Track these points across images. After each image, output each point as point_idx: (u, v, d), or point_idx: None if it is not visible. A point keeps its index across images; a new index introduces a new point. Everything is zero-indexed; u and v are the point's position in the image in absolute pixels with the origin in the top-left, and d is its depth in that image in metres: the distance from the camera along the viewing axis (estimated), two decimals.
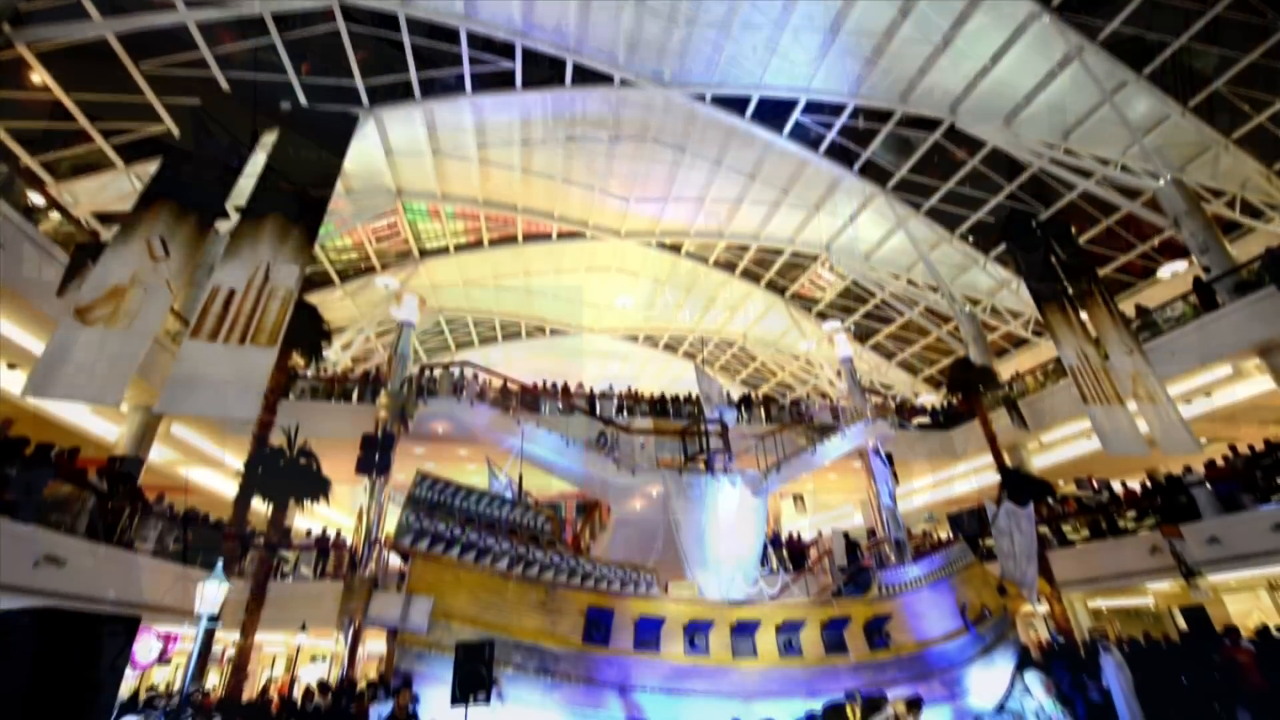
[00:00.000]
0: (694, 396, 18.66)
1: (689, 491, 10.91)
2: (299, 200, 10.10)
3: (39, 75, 12.95)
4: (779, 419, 18.46)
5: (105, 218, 15.29)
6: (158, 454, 14.27)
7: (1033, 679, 10.60)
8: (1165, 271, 18.52)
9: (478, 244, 22.93)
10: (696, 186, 20.42)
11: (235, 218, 10.13)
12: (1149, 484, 14.94)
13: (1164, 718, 10.25)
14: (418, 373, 14.79)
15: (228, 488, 15.04)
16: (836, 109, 17.33)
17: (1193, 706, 9.14)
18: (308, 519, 17.86)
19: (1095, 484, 17.03)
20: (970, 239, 20.50)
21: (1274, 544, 11.02)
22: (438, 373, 14.94)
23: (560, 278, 25.39)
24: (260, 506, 12.32)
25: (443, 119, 17.32)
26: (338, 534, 15.37)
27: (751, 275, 25.27)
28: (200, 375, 8.25)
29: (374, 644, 16.31)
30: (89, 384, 7.68)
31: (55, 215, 11.97)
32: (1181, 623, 13.52)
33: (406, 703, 6.29)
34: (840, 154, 18.92)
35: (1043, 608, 13.94)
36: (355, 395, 16.42)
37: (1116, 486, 16.28)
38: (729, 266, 25.06)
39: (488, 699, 6.59)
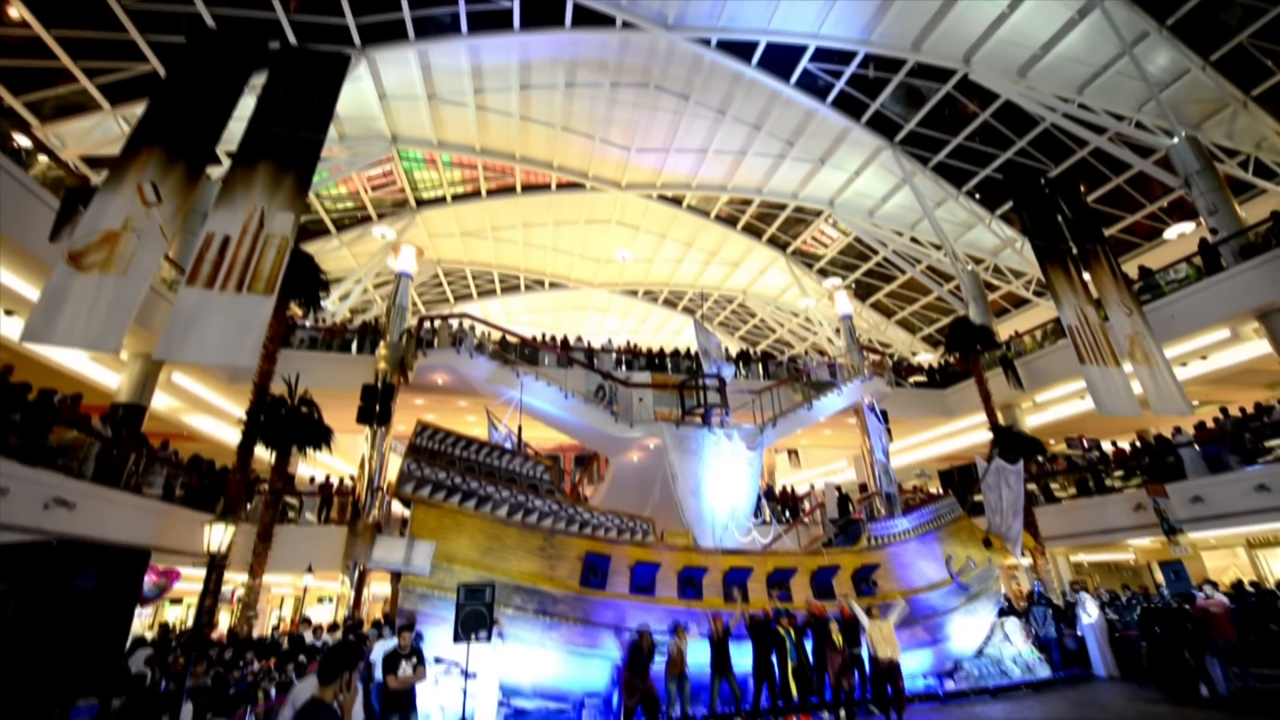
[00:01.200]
0: (692, 351, 18.72)
1: (686, 444, 11.07)
2: (291, 145, 9.87)
3: (16, 9, 12.41)
4: (777, 375, 18.57)
5: (94, 161, 14.94)
6: (160, 401, 14.39)
7: (1012, 627, 11.08)
8: (1172, 233, 18.30)
9: (475, 194, 22.51)
10: (699, 137, 19.91)
11: (227, 164, 9.92)
12: (1138, 444, 15.19)
13: (1135, 666, 10.75)
14: (416, 324, 14.77)
15: (231, 435, 15.24)
16: (846, 57, 16.73)
17: (1164, 655, 9.55)
18: (310, 466, 18.17)
19: (1086, 443, 17.30)
20: (976, 196, 20.16)
21: (1255, 504, 11.29)
22: (436, 324, 14.92)
23: (559, 230, 25.04)
24: (263, 454, 12.53)
25: (438, 61, 16.72)
26: (340, 481, 15.67)
27: (753, 230, 24.94)
28: (198, 323, 8.25)
29: (378, 586, 16.89)
30: (87, 330, 7.68)
31: (43, 159, 11.70)
32: (1159, 577, 14.01)
33: (409, 642, 6.56)
34: (848, 105, 18.38)
35: (1026, 560, 14.39)
36: (354, 346, 16.44)
37: (1106, 446, 16.56)
38: (730, 221, 24.70)
39: (489, 637, 6.86)
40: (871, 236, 23.13)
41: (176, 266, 13.16)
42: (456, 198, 22.55)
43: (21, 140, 11.30)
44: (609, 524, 9.43)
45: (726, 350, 18.12)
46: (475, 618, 6.77)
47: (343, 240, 22.31)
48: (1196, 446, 13.01)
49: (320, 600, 19.94)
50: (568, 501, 9.61)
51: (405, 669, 6.33)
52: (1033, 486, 15.27)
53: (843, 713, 8.08)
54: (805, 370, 18.84)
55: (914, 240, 22.57)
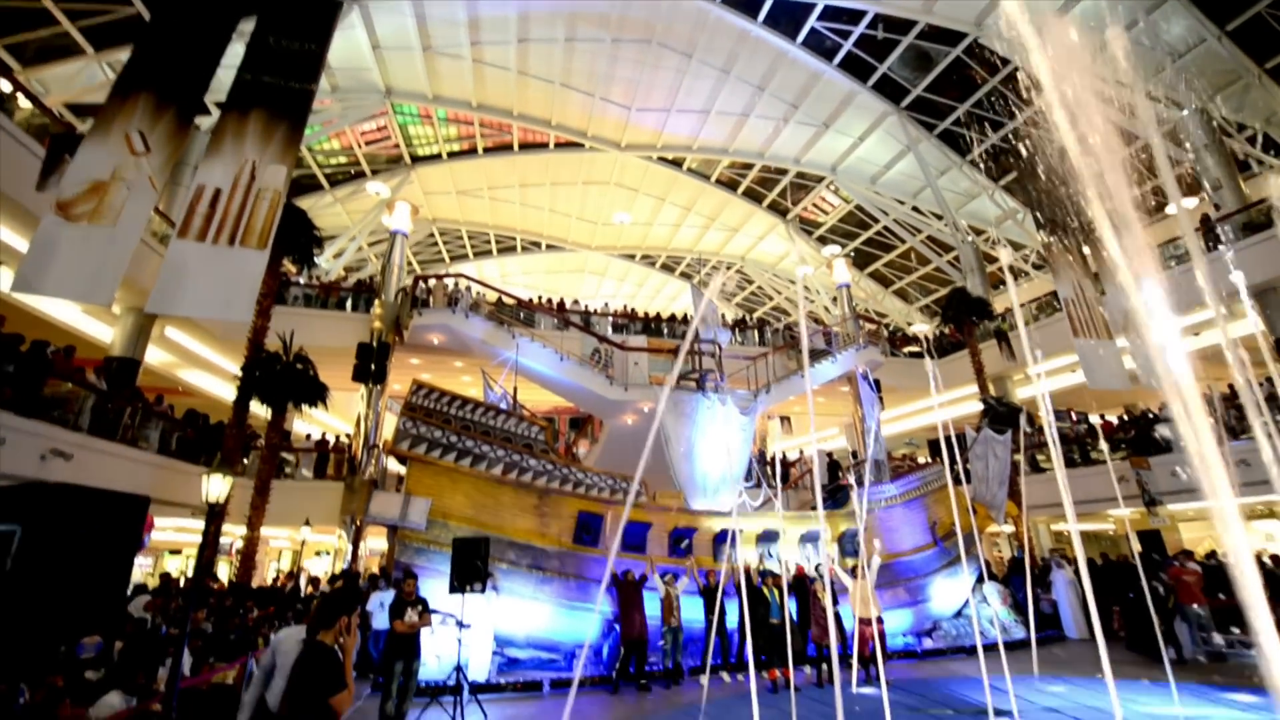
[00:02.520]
0: (688, 316, 18.70)
1: (680, 408, 11.18)
2: (282, 95, 9.61)
3: None
4: (772, 342, 18.62)
5: (79, 109, 14.52)
6: (154, 356, 14.36)
7: (990, 590, 11.43)
8: (1174, 208, 18.16)
9: (472, 152, 22.05)
10: (701, 98, 19.45)
11: (216, 114, 9.68)
12: (1126, 418, 15.41)
13: (1107, 629, 11.16)
14: (412, 283, 14.66)
15: (226, 391, 15.28)
16: (855, 16, 16.23)
17: (1135, 619, 9.90)
18: (307, 424, 18.28)
19: (1074, 416, 17.54)
20: (981, 166, 19.89)
21: (1236, 478, 11.53)
22: (432, 284, 14.82)
23: (557, 191, 24.65)
24: (259, 410, 12.58)
25: (433, 10, 16.14)
26: (337, 439, 15.80)
27: (753, 195, 24.61)
28: (190, 276, 8.19)
29: (375, 541, 17.22)
30: (78, 282, 7.61)
31: (26, 105, 11.35)
32: (1137, 545, 14.43)
33: (412, 590, 6.73)
34: (855, 67, 17.93)
35: (1009, 528, 14.74)
36: (349, 305, 16.34)
37: (1094, 419, 16.80)
38: (731, 185, 24.35)
39: (483, 589, 7.06)
40: (873, 205, 22.88)
41: (167, 219, 12.95)
42: (452, 155, 22.10)
43: (2, 84, 10.96)
44: (602, 484, 9.59)
45: (723, 316, 18.11)
46: (470, 570, 6.94)
47: (336, 196, 21.93)
48: (1178, 422, 13.19)
49: (318, 554, 20.34)
50: (562, 462, 9.75)
51: (411, 615, 6.53)
52: (1019, 457, 15.53)
53: (824, 666, 8.41)
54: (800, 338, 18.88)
55: (915, 209, 22.36)
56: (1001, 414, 15.02)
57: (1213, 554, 11.38)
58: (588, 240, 28.20)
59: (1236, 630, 9.55)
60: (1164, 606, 9.41)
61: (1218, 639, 9.48)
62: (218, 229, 8.62)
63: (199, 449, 12.20)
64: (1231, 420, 12.50)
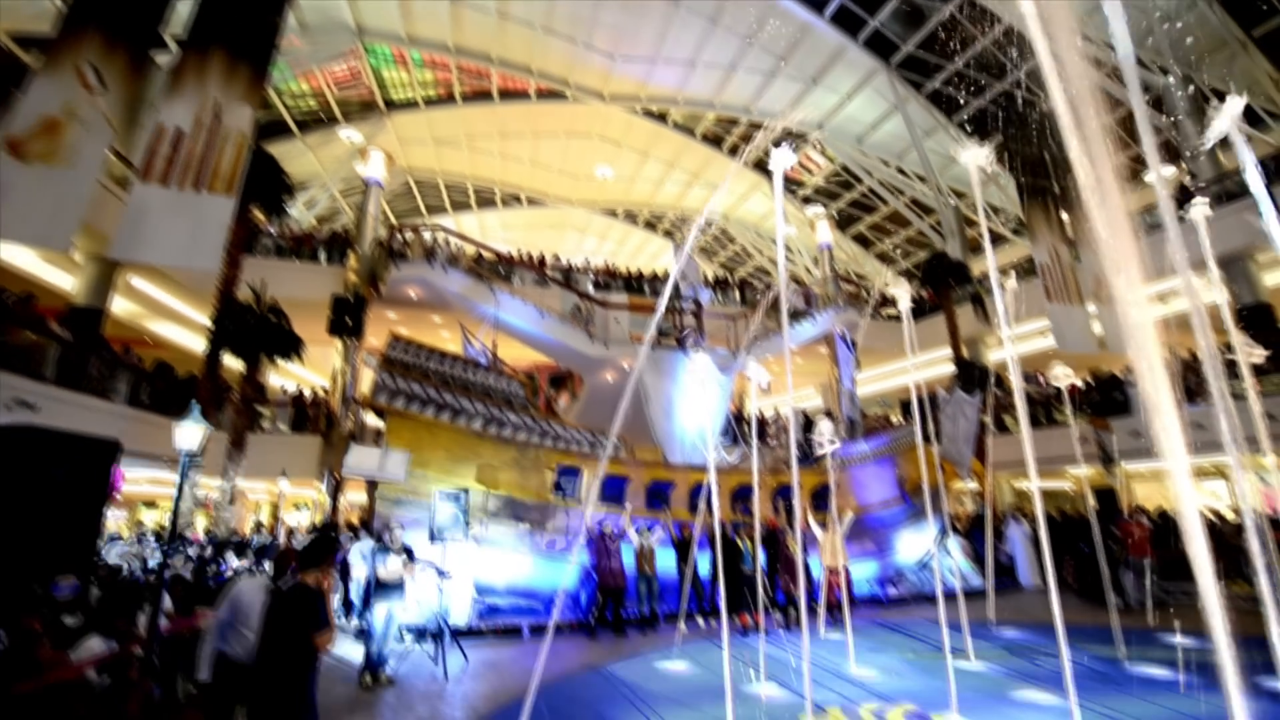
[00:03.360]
0: (671, 280, 18.60)
1: (660, 366, 11.26)
2: (245, 30, 9.11)
3: None
4: (752, 302, 18.67)
5: (26, 41, 13.57)
6: (120, 306, 13.93)
7: (952, 543, 11.93)
8: (1150, 176, 18.32)
9: (449, 99, 21.22)
10: (688, 48, 18.85)
11: (176, 50, 9.14)
12: (1090, 381, 15.91)
13: (1060, 580, 11.80)
14: (388, 235, 14.31)
15: (197, 343, 14.94)
16: None
17: (1086, 570, 10.47)
18: (281, 377, 18.04)
19: (1042, 379, 18.04)
20: (967, 129, 19.76)
21: (1190, 440, 12.06)
22: (409, 236, 14.48)
23: (538, 142, 23.96)
24: (232, 362, 12.36)
25: None
26: (313, 392, 15.65)
27: (738, 152, 24.21)
28: (153, 222, 7.89)
29: (355, 494, 17.29)
30: (33, 226, 7.31)
31: None
32: (1093, 502, 15.11)
33: (399, 538, 6.82)
34: (846, 21, 17.47)
35: (974, 485, 15.30)
36: (323, 256, 15.93)
37: (1062, 381, 17.29)
38: (716, 141, 23.90)
39: (464, 538, 7.18)
40: (858, 165, 22.70)
41: (127, 162, 12.35)
42: (429, 102, 21.26)
43: None
44: (581, 438, 9.70)
45: (705, 275, 18.06)
46: (450, 520, 7.04)
47: (307, 143, 21.05)
48: (1141, 385, 13.69)
49: (297, 506, 20.39)
50: (542, 417, 9.81)
51: (394, 562, 6.63)
52: (987, 418, 16.01)
53: (793, 612, 8.80)
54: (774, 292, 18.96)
55: (900, 171, 22.24)
56: (972, 376, 15.39)
57: (1162, 511, 11.99)
58: (569, 195, 27.64)
59: (1178, 581, 10.16)
60: (1113, 559, 9.95)
61: (1161, 588, 10.10)
62: (182, 173, 8.27)
63: (170, 401, 11.99)
64: (1191, 384, 13.00)
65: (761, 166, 24.65)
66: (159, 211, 7.93)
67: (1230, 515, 11.29)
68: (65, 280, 12.62)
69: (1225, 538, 9.86)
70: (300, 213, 20.92)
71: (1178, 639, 7.52)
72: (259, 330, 11.95)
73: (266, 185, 12.76)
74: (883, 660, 7.02)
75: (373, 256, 13.95)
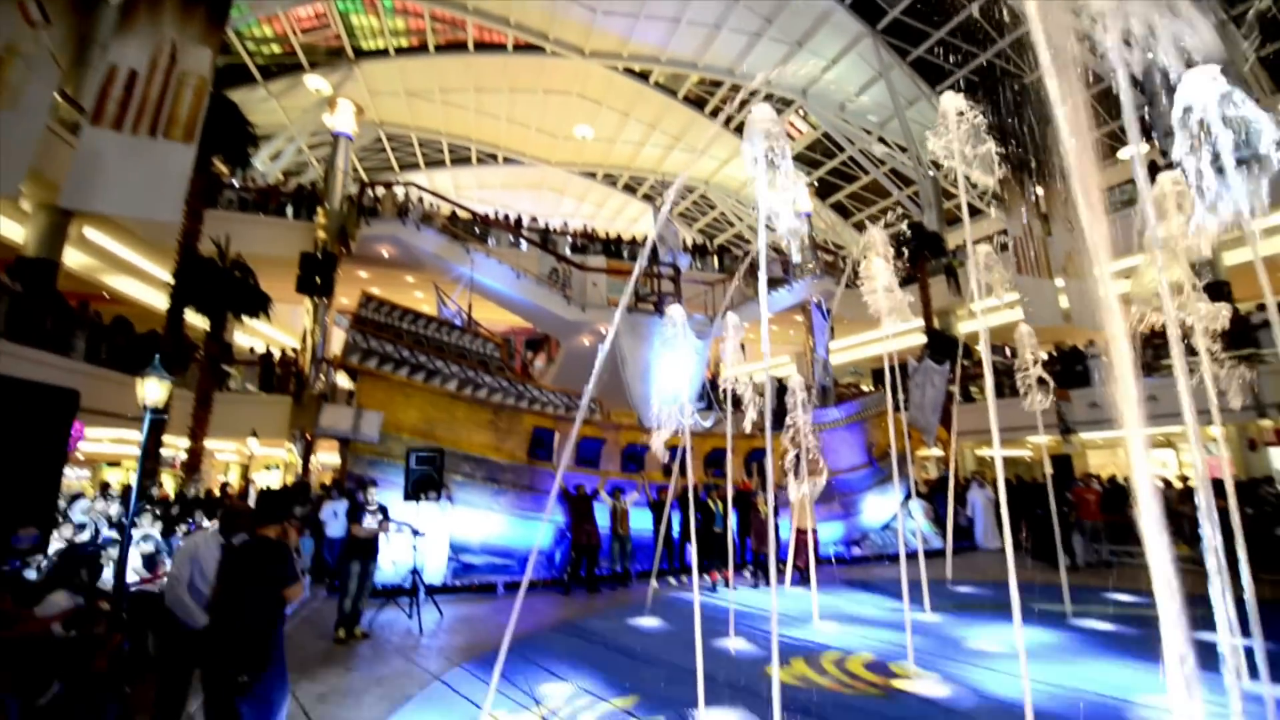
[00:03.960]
0: (649, 240, 18.43)
1: (637, 330, 11.25)
2: None
3: None
4: (731, 269, 18.66)
5: None
6: (74, 260, 13.30)
7: (915, 506, 12.38)
8: (1125, 153, 18.61)
9: (422, 49, 20.32)
10: (672, 4, 18.27)
11: None
12: (1053, 353, 16.41)
13: (1015, 541, 12.38)
14: (358, 191, 13.85)
15: (159, 300, 14.41)
16: None
17: (1039, 532, 10.99)
18: (248, 336, 17.58)
19: (1009, 351, 18.53)
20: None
21: (1145, 411, 12.60)
22: (380, 192, 14.03)
23: (515, 99, 23.20)
24: (196, 320, 11.98)
25: None
26: (282, 352, 15.31)
27: (722, 116, 23.81)
28: (108, 169, 7.50)
29: (327, 456, 17.14)
30: None
31: None
32: (1049, 469, 15.80)
33: (373, 496, 6.80)
34: None
35: (938, 451, 15.80)
36: (291, 211, 15.36)
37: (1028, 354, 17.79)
38: (698, 103, 23.44)
39: (439, 497, 7.20)
40: (840, 132, 22.54)
41: (77, 106, 11.63)
42: (400, 51, 20.33)
43: None
44: (557, 401, 9.71)
45: (684, 240, 17.95)
46: (425, 480, 7.04)
47: (271, 91, 20.04)
48: (1103, 358, 14.19)
49: (268, 467, 20.14)
50: (517, 379, 9.78)
51: (369, 521, 6.63)
52: (954, 388, 16.48)
53: (760, 571, 9.09)
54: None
55: (881, 140, 22.17)
56: (942, 346, 15.73)
57: (1112, 477, 12.57)
58: (547, 155, 26.97)
59: (1123, 544, 10.75)
60: (1065, 522, 10.46)
61: (1109, 550, 10.68)
62: (136, 117, 7.83)
63: (130, 358, 11.61)
64: (1148, 358, 13.51)
65: (743, 131, 24.31)
66: (113, 158, 7.53)
67: (1176, 483, 11.89)
68: (14, 231, 11.97)
69: (1170, 503, 10.42)
70: (265, 165, 20.06)
71: (1119, 595, 8.00)
72: (223, 287, 11.57)
73: (229, 134, 12.16)
74: (845, 614, 7.33)
75: (342, 213, 13.51)
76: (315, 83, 19.93)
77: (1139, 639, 6.04)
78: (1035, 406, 8.33)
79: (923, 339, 17.26)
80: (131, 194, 7.54)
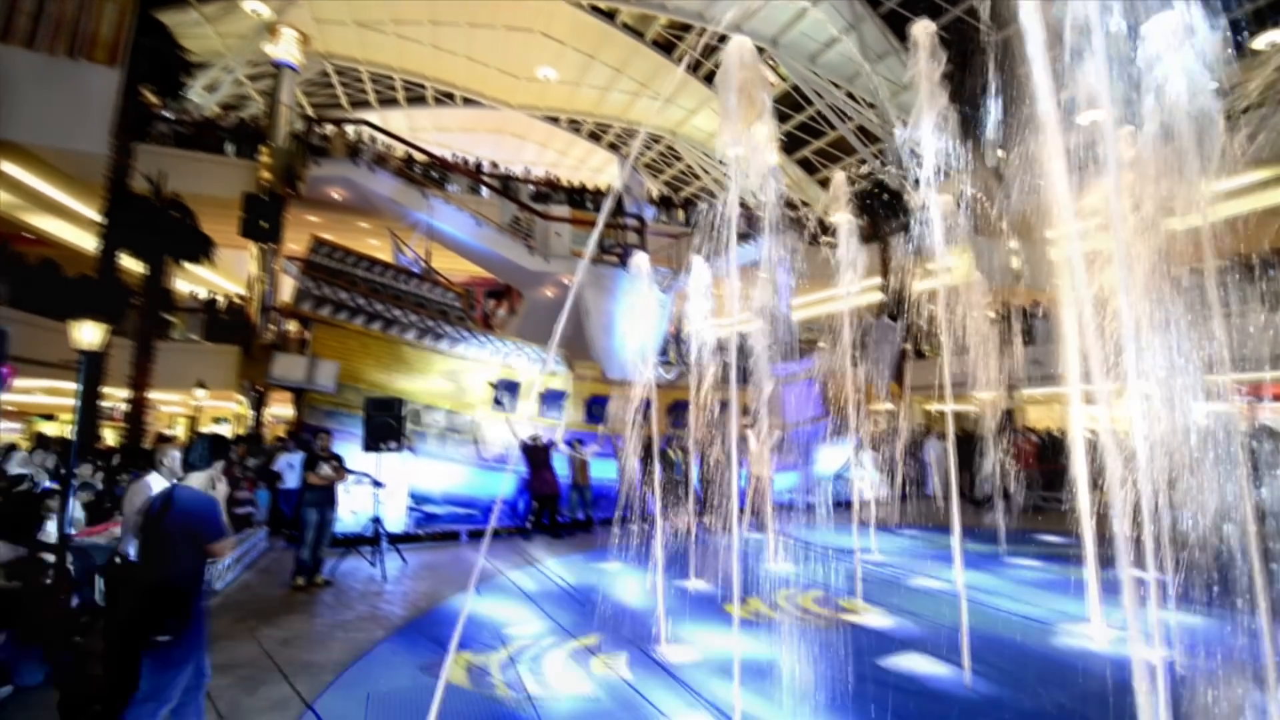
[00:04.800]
0: (614, 190, 18.07)
1: (601, 282, 11.14)
2: None
3: None
4: (696, 223, 18.53)
5: None
6: None
7: (865, 456, 12.93)
8: (1084, 119, 18.99)
9: None
10: None
11: None
12: (1002, 312, 17.07)
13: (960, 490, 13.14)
14: (305, 128, 13.03)
15: (89, 241, 13.46)
16: None
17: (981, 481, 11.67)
18: (190, 282, 16.68)
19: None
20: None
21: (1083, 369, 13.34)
22: (330, 130, 13.25)
23: (474, 35, 21.93)
24: (133, 265, 11.26)
25: None
26: (229, 299, 14.62)
27: (692, 63, 23.11)
28: (20, 93, 6.84)
29: (279, 408, 16.67)
30: None
31: None
32: (992, 423, 16.72)
33: (328, 444, 6.67)
34: None
35: (890, 406, 16.42)
36: (231, 148, 14.37)
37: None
38: (666, 48, 22.65)
39: (399, 447, 7.13)
40: (809, 85, 22.23)
41: None
42: None
43: None
44: (519, 352, 9.62)
45: (650, 192, 17.67)
46: (384, 429, 6.94)
47: (204, 14, 18.37)
48: (1045, 318, 14.86)
49: (217, 420, 19.49)
50: (479, 330, 9.62)
51: (325, 468, 6.53)
52: (907, 345, 17.06)
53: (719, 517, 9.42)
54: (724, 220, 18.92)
55: (850, 95, 21.98)
56: (898, 304, 16.15)
57: (1048, 430, 13.38)
58: (508, 97, 25.80)
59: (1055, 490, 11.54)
60: (1004, 471, 11.15)
61: (1040, 497, 11.47)
62: (52, 36, 7.13)
63: (59, 303, 10.88)
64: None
65: (712, 80, 23.71)
66: (27, 81, 6.87)
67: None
68: None
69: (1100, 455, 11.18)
70: (201, 97, 18.60)
71: (1049, 536, 8.64)
72: (160, 227, 10.86)
73: (159, 60, 11.18)
74: (799, 556, 7.71)
75: (288, 151, 12.70)
76: (253, 5, 18.36)
77: (1064, 573, 6.57)
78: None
79: (881, 296, 17.67)
80: (49, 122, 6.93)
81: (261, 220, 12.05)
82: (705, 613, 5.38)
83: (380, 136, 13.79)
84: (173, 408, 18.52)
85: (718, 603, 5.67)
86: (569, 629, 5.09)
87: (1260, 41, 17.02)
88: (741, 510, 9.11)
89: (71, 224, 14.34)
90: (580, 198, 17.70)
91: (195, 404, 16.03)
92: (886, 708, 3.61)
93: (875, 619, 5.34)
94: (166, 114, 14.02)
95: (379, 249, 14.85)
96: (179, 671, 2.85)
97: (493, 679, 4.10)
